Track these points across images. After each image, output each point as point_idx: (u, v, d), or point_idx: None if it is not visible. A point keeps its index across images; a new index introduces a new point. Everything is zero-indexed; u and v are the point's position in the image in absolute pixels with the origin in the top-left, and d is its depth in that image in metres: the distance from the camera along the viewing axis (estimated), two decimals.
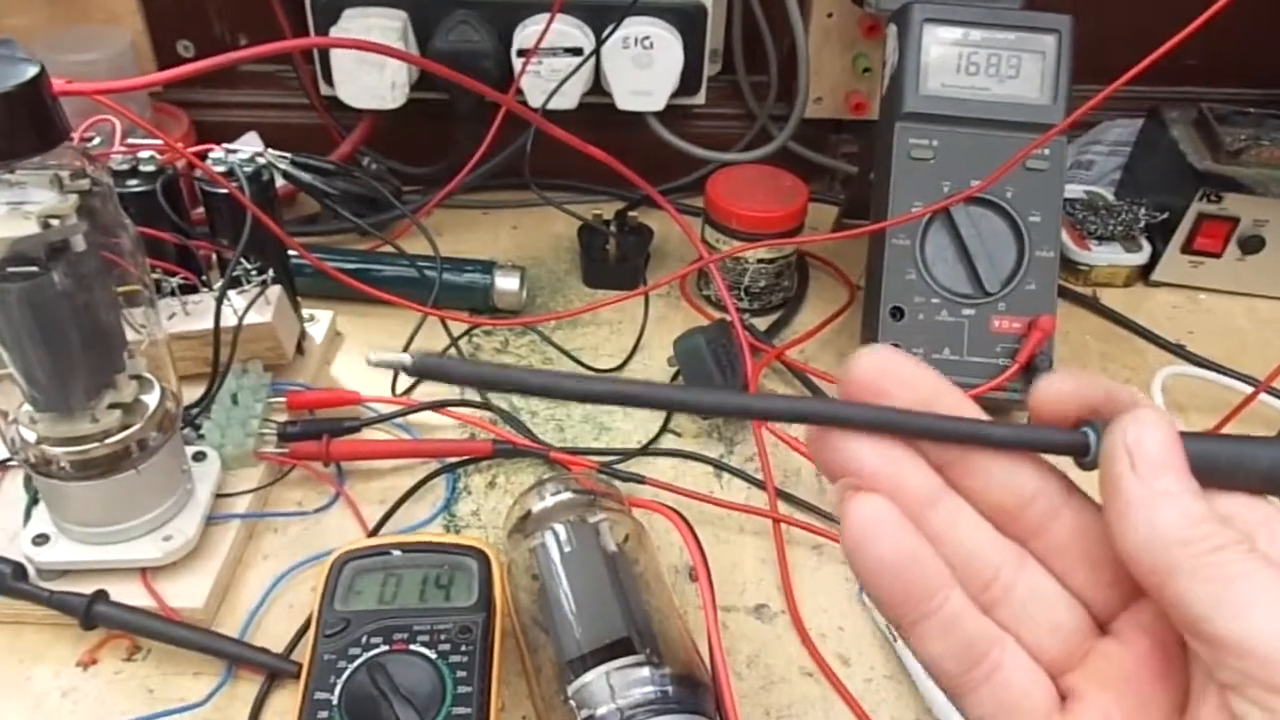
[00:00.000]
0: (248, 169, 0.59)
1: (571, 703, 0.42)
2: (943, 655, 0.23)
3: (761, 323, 0.73)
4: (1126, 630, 0.24)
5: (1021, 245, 0.62)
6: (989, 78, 0.63)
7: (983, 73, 0.63)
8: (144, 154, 0.59)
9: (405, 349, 0.66)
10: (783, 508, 0.58)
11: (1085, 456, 0.23)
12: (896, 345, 0.61)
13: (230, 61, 0.45)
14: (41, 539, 0.49)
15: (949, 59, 0.63)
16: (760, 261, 0.72)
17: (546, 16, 0.73)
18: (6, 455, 0.54)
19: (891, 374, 0.23)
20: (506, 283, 0.72)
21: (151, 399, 0.49)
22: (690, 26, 0.76)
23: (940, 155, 0.63)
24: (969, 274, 0.62)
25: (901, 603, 0.23)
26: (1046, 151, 0.62)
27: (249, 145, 0.81)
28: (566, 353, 0.69)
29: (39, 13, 0.77)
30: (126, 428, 0.47)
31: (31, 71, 0.39)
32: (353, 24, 0.72)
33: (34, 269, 0.42)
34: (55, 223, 0.41)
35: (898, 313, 0.62)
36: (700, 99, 0.81)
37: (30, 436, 0.46)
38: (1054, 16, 0.63)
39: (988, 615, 0.23)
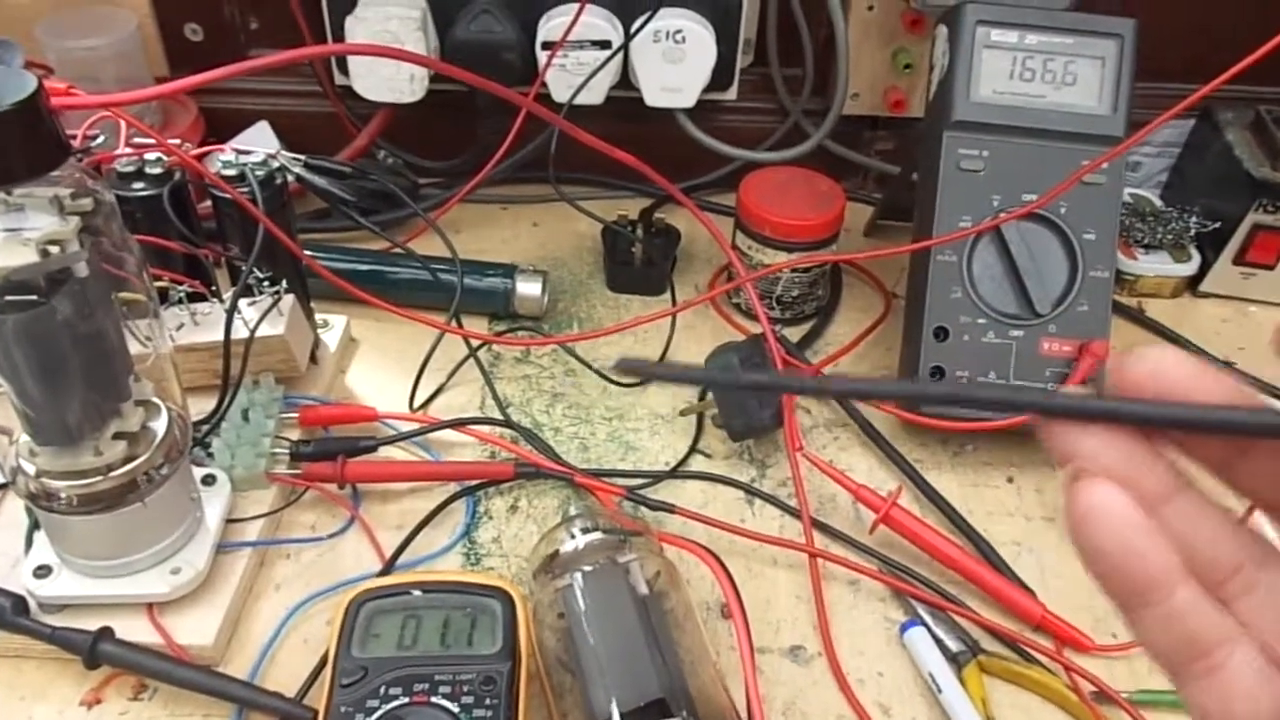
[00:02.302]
0: (260, 173, 0.56)
1: None
2: (1160, 646, 0.22)
3: (793, 333, 0.70)
4: None
5: (1074, 264, 0.59)
6: (1044, 84, 0.59)
7: (1038, 79, 0.59)
8: (150, 155, 0.56)
9: (423, 365, 0.64)
10: (818, 540, 0.55)
11: None
12: (939, 369, 0.58)
13: (242, 72, 0.42)
14: (43, 571, 0.47)
15: (1002, 64, 0.59)
16: (794, 271, 0.68)
17: (573, 7, 0.69)
18: (3, 480, 0.52)
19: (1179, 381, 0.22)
20: (528, 288, 0.69)
21: (159, 425, 0.46)
22: (724, 19, 0.72)
23: (991, 167, 0.59)
24: (1018, 293, 0.59)
25: (1120, 591, 0.22)
26: (1105, 166, 0.58)
27: (260, 136, 0.77)
28: (590, 366, 0.66)
29: None
30: (132, 459, 0.45)
31: (29, 87, 0.36)
32: (369, 12, 0.69)
33: (33, 298, 0.39)
34: (55, 250, 0.38)
35: (942, 333, 0.59)
36: (732, 94, 0.77)
37: (30, 469, 0.44)
38: (1116, 20, 0.59)
39: (1224, 609, 0.22)
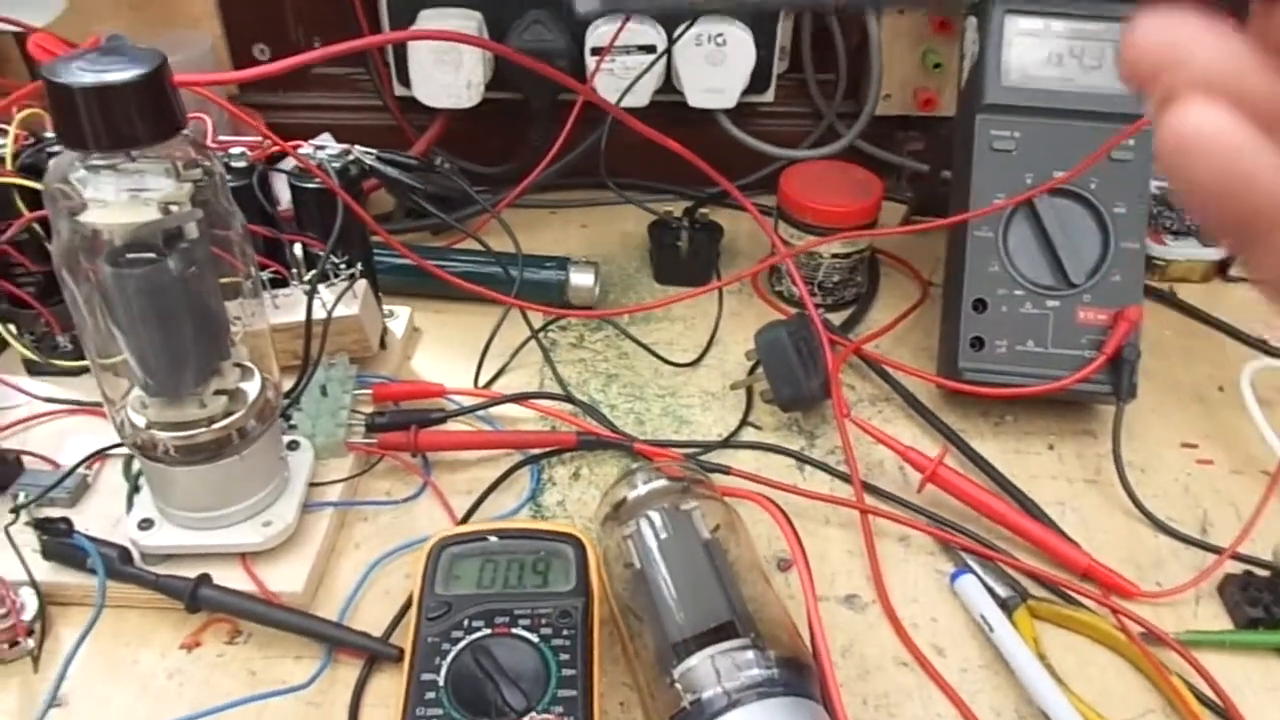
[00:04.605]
0: (335, 164, 0.60)
1: (677, 686, 0.42)
2: (1268, 280, 0.19)
3: (835, 318, 0.73)
4: None
5: (1106, 237, 0.62)
6: (1072, 68, 0.62)
7: (1065, 63, 0.62)
8: (235, 150, 0.61)
9: (487, 344, 0.67)
10: (868, 499, 0.57)
11: None
12: (979, 339, 0.61)
13: (332, 55, 0.46)
14: (146, 524, 0.50)
15: (1031, 50, 0.63)
16: (835, 257, 0.72)
17: (621, 15, 0.73)
18: (105, 444, 0.55)
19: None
20: (581, 278, 0.72)
21: (251, 387, 0.50)
22: (762, 24, 0.76)
23: (1022, 146, 0.62)
24: (1052, 266, 0.62)
25: (1223, 227, 0.19)
26: (1131, 142, 0.61)
27: (320, 144, 0.82)
28: (644, 345, 0.69)
29: (123, 17, 0.79)
30: (230, 414, 0.48)
31: (156, 61, 0.40)
32: (430, 24, 0.73)
33: (151, 255, 0.43)
34: (174, 209, 0.42)
35: (980, 305, 0.62)
36: (769, 97, 0.81)
37: (140, 421, 0.47)
38: (1141, 6, 0.62)
39: None
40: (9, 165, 0.57)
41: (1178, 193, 0.18)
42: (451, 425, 0.61)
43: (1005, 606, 0.51)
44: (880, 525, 0.56)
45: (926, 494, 0.57)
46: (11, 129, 0.58)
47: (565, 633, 0.45)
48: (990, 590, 0.52)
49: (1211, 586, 0.53)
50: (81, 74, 0.38)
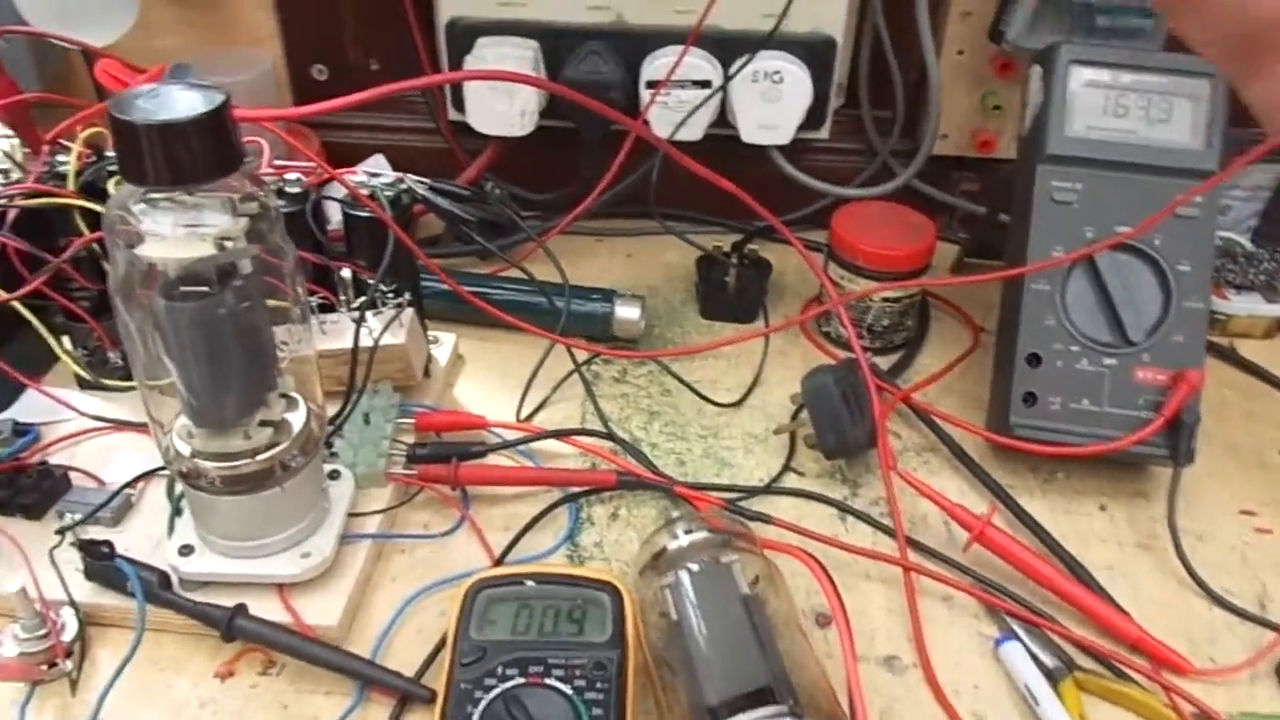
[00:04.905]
0: (389, 193, 0.61)
1: None
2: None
3: (882, 362, 0.72)
4: None
5: (1168, 295, 0.60)
6: (1137, 121, 0.61)
7: (1131, 116, 0.61)
8: (290, 176, 0.61)
9: (531, 377, 0.67)
10: (912, 556, 0.56)
11: None
12: (1031, 394, 0.60)
13: (389, 93, 0.46)
14: (187, 550, 0.50)
15: (1096, 101, 0.61)
16: (885, 300, 0.70)
17: (675, 49, 0.73)
18: (151, 467, 0.56)
19: None
20: (627, 311, 0.72)
21: (296, 418, 0.50)
22: (819, 61, 0.75)
23: (1084, 199, 0.61)
24: (1111, 323, 0.60)
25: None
26: (1199, 199, 0.60)
27: (377, 168, 0.83)
28: (688, 384, 0.69)
29: (186, 34, 0.80)
30: (274, 445, 0.48)
31: (218, 99, 0.40)
32: (487, 52, 0.74)
33: (204, 289, 0.43)
34: (229, 245, 0.42)
35: (1035, 359, 0.60)
36: (824, 133, 0.80)
37: (185, 449, 0.48)
38: (1207, 61, 0.60)
39: None
40: (71, 184, 0.58)
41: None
42: (492, 458, 0.61)
43: (1051, 677, 0.50)
44: (923, 584, 0.55)
45: (972, 552, 0.56)
46: (75, 147, 0.59)
47: (599, 685, 0.44)
48: (1036, 659, 0.50)
49: (1269, 666, 0.51)
50: (145, 110, 0.39)
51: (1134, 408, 0.59)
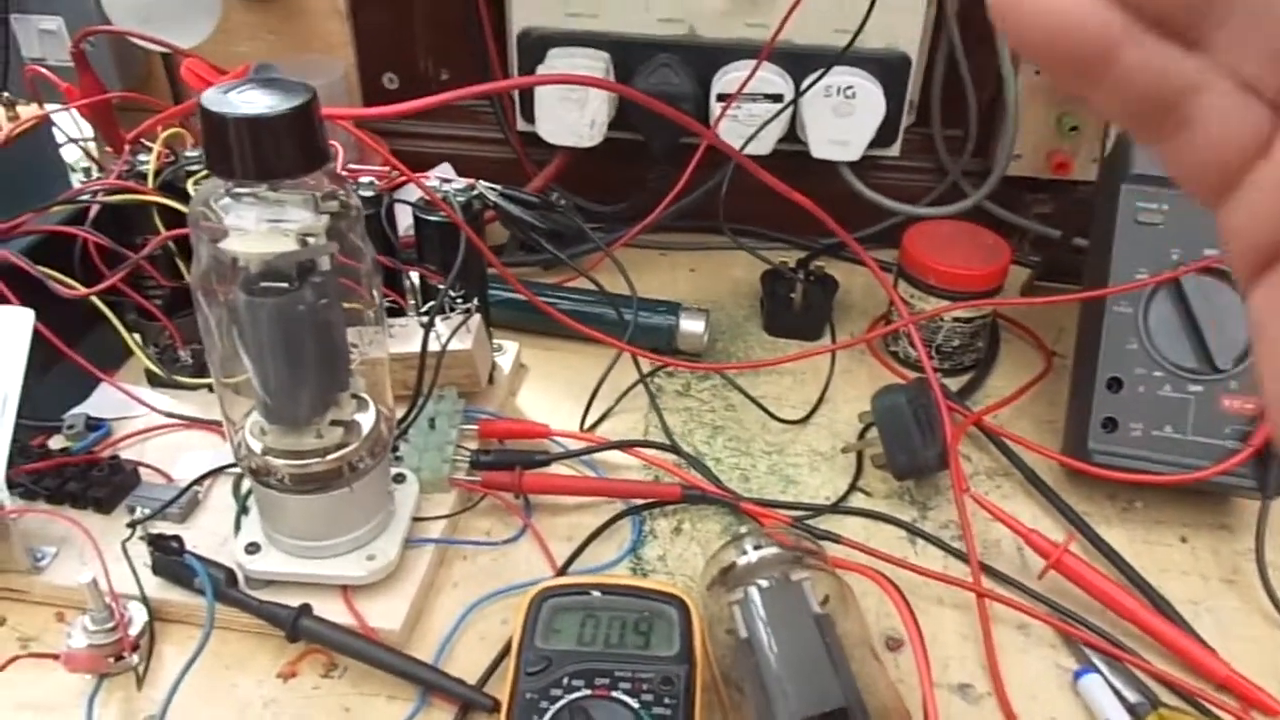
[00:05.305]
0: (460, 198, 0.61)
1: None
2: (1121, 115, 0.20)
3: (951, 383, 0.70)
4: None
5: None
6: None
7: None
8: (364, 179, 0.61)
9: (596, 387, 0.66)
10: (985, 582, 0.55)
11: None
12: (1112, 420, 0.58)
13: (466, 96, 0.46)
14: (253, 548, 0.50)
15: None
16: (956, 320, 0.69)
17: (747, 63, 0.72)
18: (220, 464, 0.56)
19: None
20: (691, 325, 0.71)
21: (366, 419, 0.50)
22: (892, 77, 0.75)
23: (1170, 220, 0.59)
24: (1197, 348, 0.58)
25: (1065, 71, 0.19)
26: None
27: (445, 176, 0.83)
28: (753, 399, 0.68)
29: (263, 40, 0.81)
30: (344, 446, 0.48)
31: (305, 96, 0.40)
32: (559, 62, 0.74)
33: (284, 285, 0.43)
34: (310, 241, 0.42)
35: (1115, 384, 0.58)
36: (895, 151, 0.79)
37: (256, 446, 0.48)
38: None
39: (1196, 54, 0.19)
40: (150, 183, 0.59)
41: (1016, 48, 0.19)
42: (555, 468, 0.60)
43: (1134, 712, 0.48)
44: (997, 611, 0.53)
45: (1048, 580, 0.54)
46: (156, 147, 0.59)
47: (667, 701, 0.43)
48: (1118, 693, 0.48)
49: None
50: (237, 104, 0.39)
51: (1220, 436, 0.57)
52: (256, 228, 0.42)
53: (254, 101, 0.39)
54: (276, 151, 0.40)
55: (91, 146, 0.71)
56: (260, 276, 0.43)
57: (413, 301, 0.61)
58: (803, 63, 0.73)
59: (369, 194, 0.61)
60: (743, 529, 0.56)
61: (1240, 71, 0.19)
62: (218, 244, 0.42)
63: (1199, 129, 0.19)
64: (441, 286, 0.60)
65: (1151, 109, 0.19)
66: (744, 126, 0.75)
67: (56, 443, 0.58)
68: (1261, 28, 0.18)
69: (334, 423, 0.48)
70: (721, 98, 0.74)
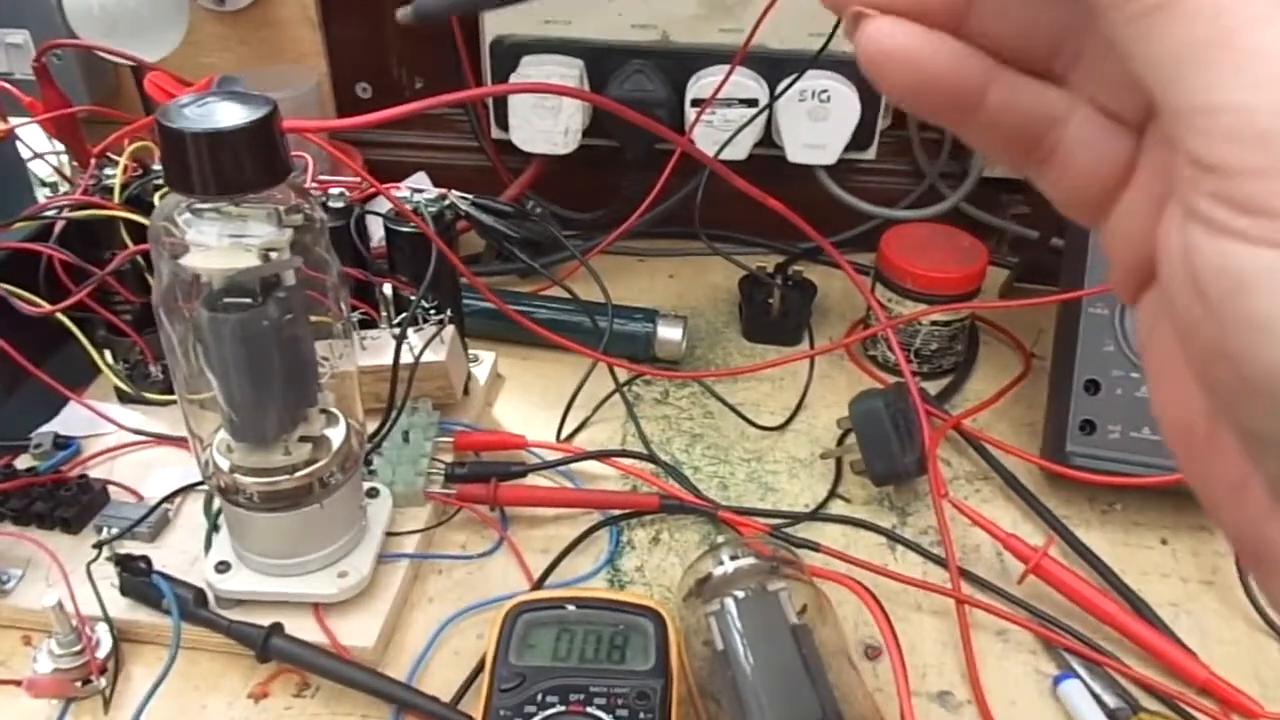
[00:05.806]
0: (432, 209, 0.60)
1: None
2: (994, 150, 0.21)
3: (931, 387, 0.70)
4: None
5: None
6: None
7: None
8: (334, 190, 0.61)
9: (572, 398, 0.66)
10: (965, 587, 0.54)
11: None
12: (1089, 422, 0.58)
13: (437, 105, 0.46)
14: (223, 566, 0.49)
15: None
16: (934, 324, 0.69)
17: (721, 67, 0.72)
18: (190, 481, 0.55)
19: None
20: (669, 332, 0.71)
21: (336, 434, 0.49)
22: (867, 81, 0.74)
23: None
24: None
25: (936, 115, 0.21)
26: None
27: (419, 185, 0.82)
28: (731, 406, 0.67)
29: (234, 51, 0.80)
30: (313, 462, 0.47)
31: (266, 108, 0.39)
32: (532, 70, 0.73)
33: (248, 301, 0.42)
34: (273, 255, 0.41)
35: (1093, 386, 0.58)
36: (871, 154, 0.79)
37: (224, 464, 0.47)
38: None
39: (1056, 87, 0.20)
40: (117, 197, 0.58)
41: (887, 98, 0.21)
42: (531, 479, 0.59)
43: (1114, 717, 0.47)
44: (976, 617, 0.53)
45: (1027, 585, 0.54)
46: (122, 160, 0.59)
47: (642, 716, 0.42)
48: (1098, 698, 0.48)
49: None
50: (193, 119, 0.38)
51: None
52: (218, 243, 0.41)
53: (213, 115, 0.39)
54: (236, 166, 0.39)
55: (62, 161, 0.70)
56: (223, 292, 0.42)
57: (385, 313, 0.61)
58: (777, 67, 0.73)
59: (339, 205, 0.60)
60: (720, 539, 0.56)
61: (1099, 100, 0.20)
62: (179, 260, 0.42)
63: (1067, 157, 0.20)
64: (414, 298, 0.59)
65: (1019, 141, 0.21)
66: (719, 132, 0.74)
67: (23, 462, 0.57)
68: (1111, 59, 0.19)
69: (303, 439, 0.47)
70: (696, 103, 0.74)
